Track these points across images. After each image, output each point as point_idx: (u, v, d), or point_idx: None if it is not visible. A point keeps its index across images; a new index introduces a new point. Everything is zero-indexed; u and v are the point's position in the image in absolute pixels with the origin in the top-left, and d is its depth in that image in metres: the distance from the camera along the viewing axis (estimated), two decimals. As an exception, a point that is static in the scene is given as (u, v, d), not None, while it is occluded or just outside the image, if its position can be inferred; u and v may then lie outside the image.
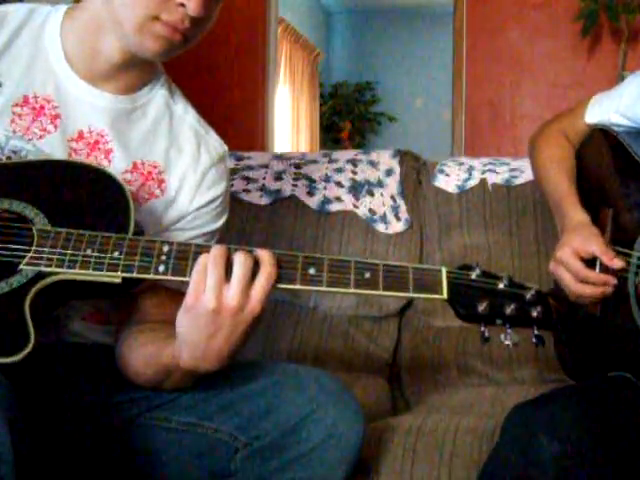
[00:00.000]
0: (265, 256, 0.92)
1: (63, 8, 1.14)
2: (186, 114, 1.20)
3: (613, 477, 0.97)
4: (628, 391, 1.12)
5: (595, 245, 1.18)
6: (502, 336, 0.94)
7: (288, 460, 0.99)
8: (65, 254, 0.96)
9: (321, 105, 7.09)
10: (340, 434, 0.98)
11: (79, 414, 1.09)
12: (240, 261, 0.91)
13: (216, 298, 0.90)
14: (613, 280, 1.17)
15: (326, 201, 1.91)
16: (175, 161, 1.16)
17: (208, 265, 0.91)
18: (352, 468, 1.02)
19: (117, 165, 1.12)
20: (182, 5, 1.02)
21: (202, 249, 0.94)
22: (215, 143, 1.21)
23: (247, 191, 1.91)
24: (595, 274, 1.17)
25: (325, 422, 0.98)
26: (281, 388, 1.01)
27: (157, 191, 1.15)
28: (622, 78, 2.94)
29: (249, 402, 1.03)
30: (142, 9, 1.02)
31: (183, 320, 0.93)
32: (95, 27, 1.09)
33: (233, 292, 0.90)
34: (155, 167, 1.15)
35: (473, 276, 0.94)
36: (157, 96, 1.17)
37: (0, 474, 0.80)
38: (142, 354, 1.03)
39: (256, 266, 0.92)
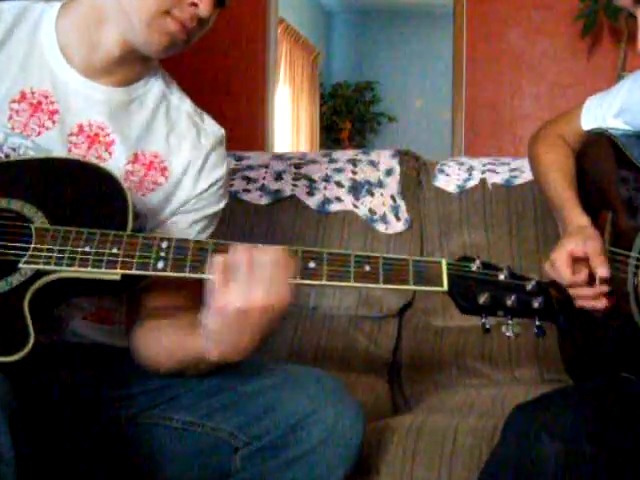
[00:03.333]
0: (283, 253, 0.92)
1: (58, 3, 1.14)
2: (182, 103, 1.20)
3: (614, 477, 0.97)
4: (629, 391, 1.12)
5: (590, 246, 1.18)
6: (503, 328, 0.94)
7: (288, 460, 0.99)
8: (64, 252, 0.96)
9: (321, 105, 7.09)
10: (340, 434, 0.98)
11: (79, 413, 1.10)
12: (264, 261, 0.91)
13: (245, 300, 0.90)
14: (604, 287, 1.17)
15: (326, 201, 1.91)
16: (176, 148, 1.16)
17: (234, 264, 0.91)
18: (352, 468, 1.02)
19: (118, 157, 1.13)
20: (194, 5, 1.04)
21: (218, 248, 0.95)
22: (213, 127, 1.21)
23: (247, 191, 1.91)
24: (581, 276, 1.17)
25: (325, 422, 0.98)
26: (281, 388, 1.02)
27: (161, 179, 1.15)
28: (622, 78, 2.94)
29: (249, 401, 1.03)
30: (154, 3, 1.03)
31: (211, 320, 0.93)
32: (95, 19, 1.09)
33: (261, 293, 0.90)
34: (156, 157, 1.15)
35: (473, 268, 0.95)
36: (154, 87, 1.18)
37: (1, 473, 0.80)
38: (164, 345, 1.04)
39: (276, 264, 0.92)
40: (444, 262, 0.94)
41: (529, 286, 0.94)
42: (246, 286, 0.90)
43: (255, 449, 1.01)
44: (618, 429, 1.00)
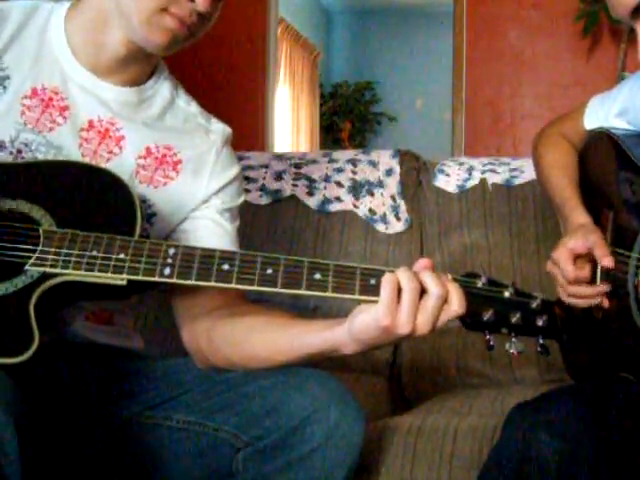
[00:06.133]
0: (458, 295, 0.91)
1: (67, 3, 1.15)
2: (189, 106, 1.22)
3: (612, 476, 0.97)
4: (628, 391, 1.12)
5: (591, 240, 1.18)
6: (507, 345, 0.93)
7: (289, 460, 0.99)
8: (70, 255, 0.96)
9: (321, 105, 7.09)
10: (341, 434, 0.98)
11: (80, 413, 1.10)
12: (438, 294, 0.90)
13: (411, 326, 0.90)
14: (606, 286, 1.17)
15: (326, 201, 1.91)
16: (187, 142, 1.17)
17: (407, 287, 0.90)
18: (353, 468, 1.02)
19: (129, 151, 1.14)
20: (191, 0, 1.04)
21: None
22: (219, 126, 1.22)
23: (247, 191, 1.91)
24: (584, 273, 1.17)
25: (327, 422, 0.98)
26: (283, 388, 1.01)
27: (172, 173, 1.16)
28: (622, 78, 2.95)
29: (251, 402, 1.03)
30: (151, 1, 1.04)
31: (368, 330, 0.93)
32: (101, 20, 1.10)
33: (427, 321, 0.91)
34: (169, 149, 1.16)
35: (479, 284, 0.94)
36: (162, 88, 1.19)
37: (6, 473, 0.80)
38: (271, 340, 1.04)
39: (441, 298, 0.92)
40: (450, 277, 0.94)
41: (534, 304, 0.93)
42: (415, 313, 0.90)
43: (256, 449, 1.01)
44: (617, 428, 1.00)
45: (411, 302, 0.90)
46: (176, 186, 1.16)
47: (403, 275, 0.91)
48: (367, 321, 0.92)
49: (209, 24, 1.10)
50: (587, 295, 1.17)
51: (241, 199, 1.23)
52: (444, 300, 0.91)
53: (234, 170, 1.21)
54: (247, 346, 1.07)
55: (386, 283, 0.91)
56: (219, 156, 1.19)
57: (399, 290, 0.91)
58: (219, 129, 1.21)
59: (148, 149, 1.15)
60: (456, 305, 0.91)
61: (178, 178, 1.16)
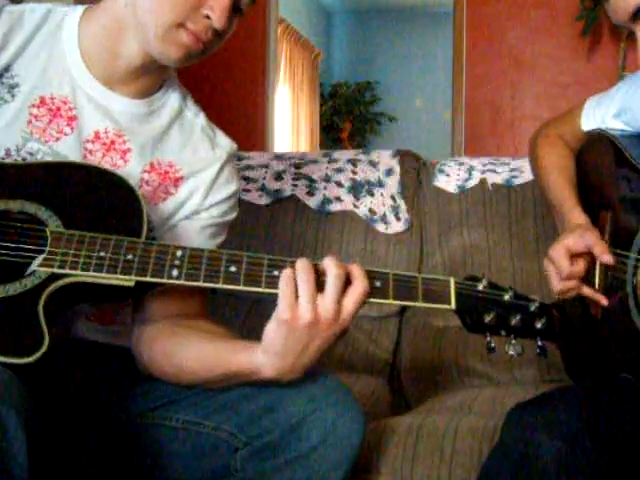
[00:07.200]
0: (358, 271, 0.93)
1: (80, 8, 1.14)
2: (196, 118, 1.21)
3: (613, 477, 0.97)
4: (628, 391, 1.12)
5: (590, 238, 1.18)
6: (506, 346, 0.95)
7: (288, 459, 0.99)
8: (78, 256, 0.96)
9: (321, 105, 7.09)
10: (340, 434, 0.99)
11: (80, 413, 1.10)
12: (334, 273, 0.91)
13: (313, 310, 0.91)
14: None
15: (326, 201, 1.91)
16: (190, 158, 1.17)
17: (300, 277, 0.91)
18: (352, 468, 1.02)
19: (134, 165, 1.13)
20: (207, 17, 1.04)
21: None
22: (226, 140, 1.22)
23: (247, 191, 1.91)
24: (578, 268, 1.18)
25: (325, 422, 0.98)
26: (281, 388, 1.02)
27: (173, 189, 1.15)
28: (622, 78, 2.94)
29: (249, 401, 1.03)
30: (168, 16, 1.03)
31: (276, 333, 0.93)
32: (116, 30, 1.09)
33: (329, 303, 0.91)
34: (171, 166, 1.16)
35: (480, 287, 0.96)
36: (171, 99, 1.18)
37: (14, 476, 0.80)
38: (196, 354, 1.03)
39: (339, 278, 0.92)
40: (453, 281, 0.95)
41: (532, 307, 0.95)
42: (314, 297, 0.91)
43: (255, 449, 1.01)
44: (617, 428, 1.01)
45: (307, 289, 0.91)
46: (174, 201, 1.16)
47: (298, 266, 0.92)
48: (271, 325, 0.93)
49: (223, 41, 1.10)
50: (583, 293, 1.18)
51: (231, 216, 1.22)
52: (343, 280, 0.91)
53: (233, 187, 1.20)
54: (178, 359, 1.05)
55: (282, 278, 0.92)
56: (221, 172, 1.18)
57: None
58: (225, 144, 1.21)
59: (152, 164, 1.15)
60: (359, 284, 0.92)
61: (177, 194, 1.16)
